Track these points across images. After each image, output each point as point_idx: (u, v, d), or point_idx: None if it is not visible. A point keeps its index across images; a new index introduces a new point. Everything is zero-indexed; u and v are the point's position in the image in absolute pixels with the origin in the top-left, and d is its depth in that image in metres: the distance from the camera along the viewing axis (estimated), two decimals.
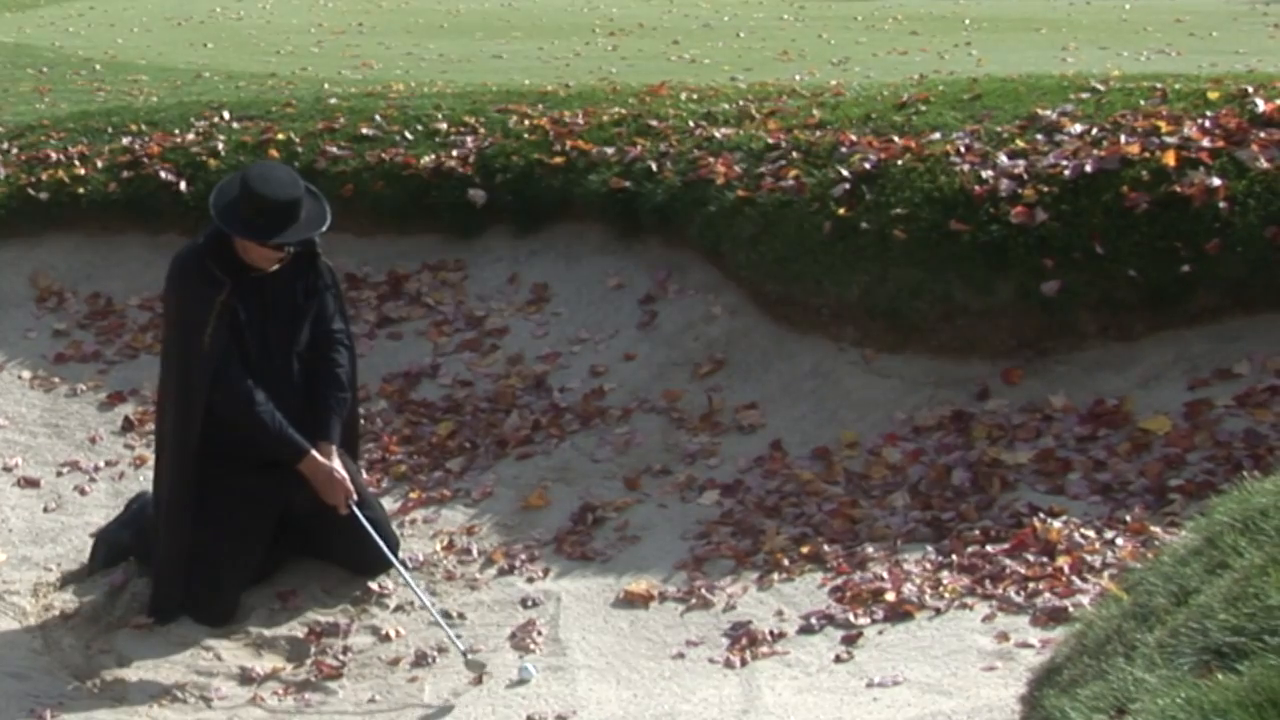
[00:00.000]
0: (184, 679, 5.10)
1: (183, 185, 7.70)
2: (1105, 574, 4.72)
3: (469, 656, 5.02)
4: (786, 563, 5.26)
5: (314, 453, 5.36)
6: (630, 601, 5.24)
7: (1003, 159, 6.33)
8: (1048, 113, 6.65)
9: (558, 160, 7.37)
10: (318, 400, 5.47)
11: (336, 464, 5.40)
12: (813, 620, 4.91)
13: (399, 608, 5.43)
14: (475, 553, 5.71)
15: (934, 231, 6.12)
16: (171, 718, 4.94)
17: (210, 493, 5.39)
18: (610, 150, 7.32)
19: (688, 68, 12.24)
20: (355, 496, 5.40)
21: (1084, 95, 6.87)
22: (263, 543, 5.52)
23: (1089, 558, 4.87)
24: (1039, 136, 6.47)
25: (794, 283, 6.38)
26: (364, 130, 7.87)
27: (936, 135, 6.71)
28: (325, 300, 5.53)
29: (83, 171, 7.95)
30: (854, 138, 6.88)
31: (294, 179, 5.37)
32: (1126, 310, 5.83)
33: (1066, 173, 6.10)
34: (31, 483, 6.43)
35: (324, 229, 5.38)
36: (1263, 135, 6.06)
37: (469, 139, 7.67)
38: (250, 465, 5.41)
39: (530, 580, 5.48)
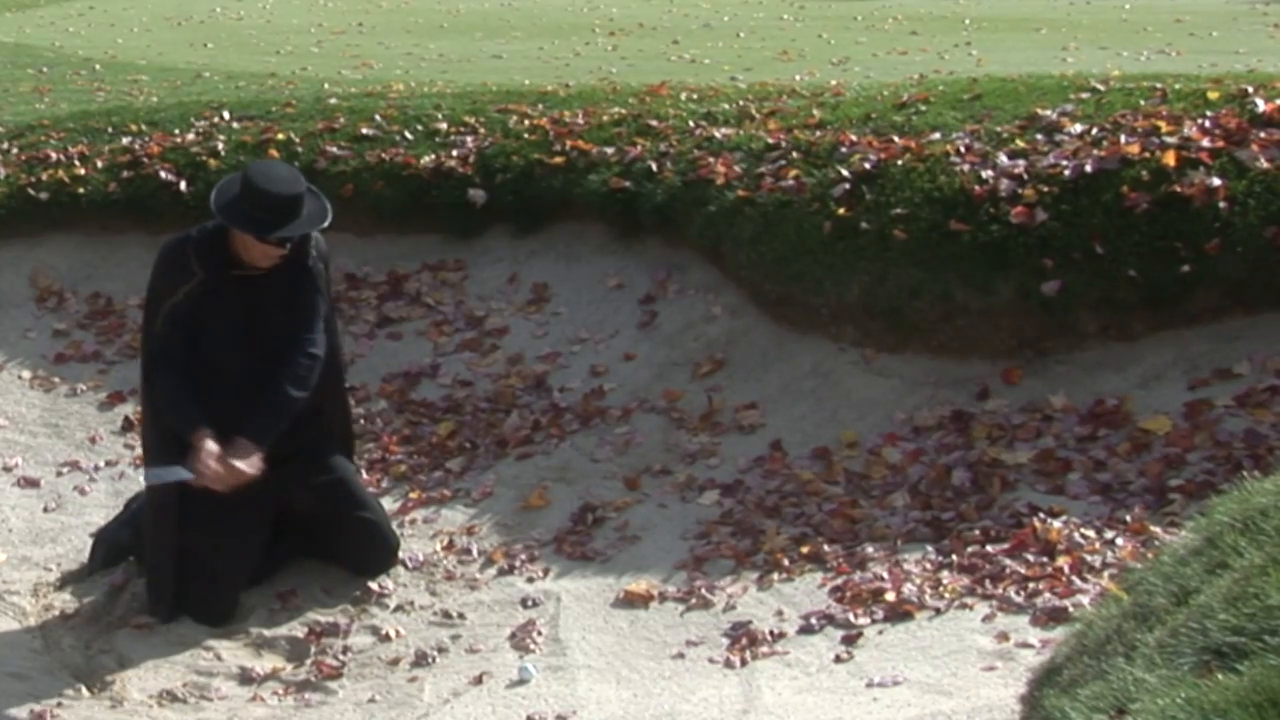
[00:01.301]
0: (184, 679, 5.10)
1: (183, 185, 7.71)
2: (1105, 574, 4.72)
3: None
4: (786, 563, 5.26)
5: (205, 432, 5.20)
6: (630, 601, 5.24)
7: (1003, 159, 6.33)
8: (1048, 113, 6.65)
9: (558, 160, 7.37)
10: (259, 400, 5.32)
11: (243, 462, 5.20)
12: (813, 620, 4.91)
13: (399, 608, 5.43)
14: (475, 553, 5.71)
15: (934, 231, 6.12)
16: (171, 718, 4.94)
17: (206, 492, 5.38)
18: (610, 150, 7.32)
19: (688, 68, 12.24)
20: (222, 480, 5.18)
21: (1084, 95, 6.87)
22: (260, 542, 5.52)
23: (1089, 558, 4.87)
24: (1039, 136, 6.47)
25: (794, 283, 6.38)
26: (364, 130, 7.87)
27: (936, 135, 6.71)
28: (308, 305, 5.43)
29: (83, 171, 7.95)
30: (854, 138, 6.88)
31: (295, 176, 5.38)
32: (1126, 310, 5.83)
33: (1066, 173, 6.10)
34: (31, 483, 6.43)
35: (324, 225, 5.38)
36: (1263, 135, 6.06)
37: (469, 139, 7.67)
38: None
39: (530, 580, 5.48)
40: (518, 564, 5.58)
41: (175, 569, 5.38)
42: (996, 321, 5.94)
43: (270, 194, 5.21)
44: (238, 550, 5.44)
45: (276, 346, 5.37)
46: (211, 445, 5.20)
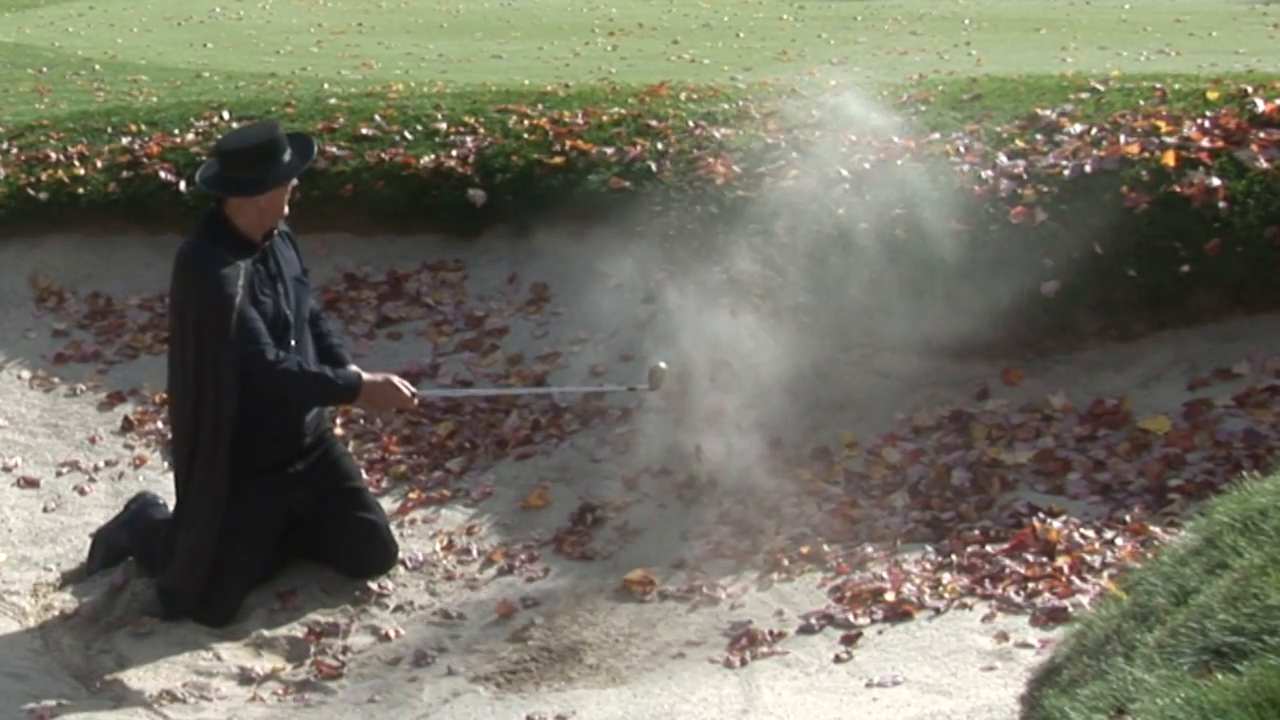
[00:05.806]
0: (184, 679, 5.10)
1: (182, 185, 7.70)
2: (1105, 574, 4.73)
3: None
4: (786, 563, 5.26)
5: (363, 377, 5.42)
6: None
7: (1002, 159, 6.33)
8: (1047, 113, 6.66)
9: (558, 160, 7.37)
10: (329, 349, 5.62)
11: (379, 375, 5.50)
12: (812, 620, 4.92)
13: (399, 608, 5.43)
14: (475, 553, 5.71)
15: (933, 231, 6.12)
16: (172, 718, 4.94)
17: (235, 500, 5.37)
18: (610, 150, 7.32)
19: (688, 68, 12.24)
20: (415, 393, 5.52)
21: (1084, 95, 6.87)
22: (269, 545, 5.52)
23: (1089, 558, 4.87)
24: (1039, 136, 6.47)
25: None
26: (364, 130, 7.87)
27: (936, 135, 6.71)
28: (305, 278, 5.62)
29: (83, 171, 7.95)
30: (854, 138, 6.88)
31: (266, 125, 5.40)
32: (1126, 310, 5.83)
33: (1066, 173, 6.11)
34: (31, 483, 6.43)
35: (313, 155, 5.48)
36: (1262, 135, 6.07)
37: (469, 139, 7.67)
38: (255, 467, 5.40)
39: (530, 580, 5.48)
40: (517, 564, 5.58)
41: (208, 578, 5.37)
42: (996, 321, 5.94)
43: (247, 149, 5.22)
44: (250, 552, 5.44)
45: (307, 308, 5.53)
46: (385, 375, 5.49)
